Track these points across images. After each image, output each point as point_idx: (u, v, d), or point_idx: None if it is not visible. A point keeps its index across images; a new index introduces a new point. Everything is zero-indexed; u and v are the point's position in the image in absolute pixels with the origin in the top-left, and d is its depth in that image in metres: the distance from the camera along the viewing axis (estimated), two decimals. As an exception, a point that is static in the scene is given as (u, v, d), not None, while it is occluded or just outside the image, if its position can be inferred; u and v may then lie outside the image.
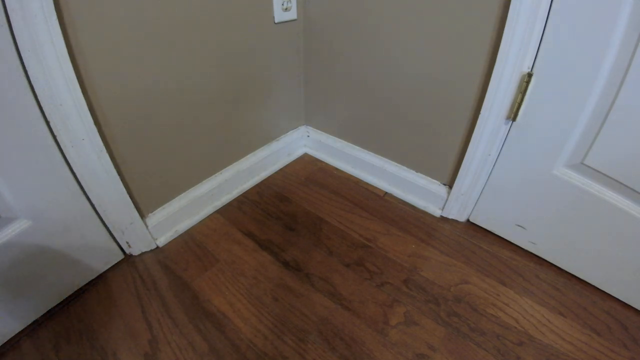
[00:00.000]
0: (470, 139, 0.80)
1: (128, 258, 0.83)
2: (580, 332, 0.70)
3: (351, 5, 0.86)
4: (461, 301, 0.75)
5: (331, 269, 0.82)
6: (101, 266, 0.79)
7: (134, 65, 0.66)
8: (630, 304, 0.75)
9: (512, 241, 0.89)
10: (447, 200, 0.94)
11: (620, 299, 0.76)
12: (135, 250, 0.83)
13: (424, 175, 0.98)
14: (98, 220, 0.73)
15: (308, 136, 1.22)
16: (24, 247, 0.63)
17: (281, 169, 1.16)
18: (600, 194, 0.69)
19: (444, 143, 0.88)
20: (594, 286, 0.79)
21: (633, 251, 0.69)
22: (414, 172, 1.00)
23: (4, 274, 0.61)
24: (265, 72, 0.96)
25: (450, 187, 0.93)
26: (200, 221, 0.94)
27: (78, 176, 0.65)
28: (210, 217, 0.96)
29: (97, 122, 0.64)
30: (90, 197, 0.69)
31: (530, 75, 0.66)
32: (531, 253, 0.86)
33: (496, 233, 0.91)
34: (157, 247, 0.86)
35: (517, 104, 0.70)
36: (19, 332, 0.67)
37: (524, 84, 0.67)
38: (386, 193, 1.06)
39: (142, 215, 0.82)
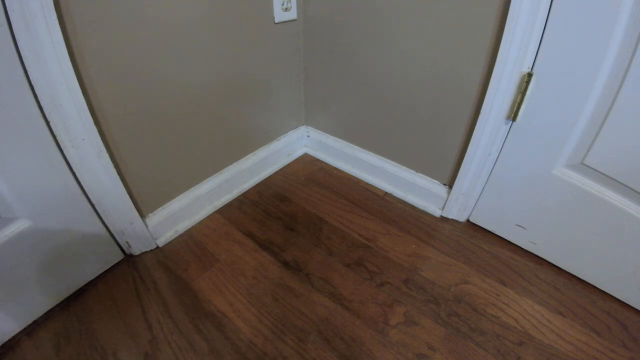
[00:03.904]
0: (471, 139, 0.80)
1: (128, 258, 0.83)
2: (580, 332, 0.70)
3: (351, 6, 0.86)
4: (461, 301, 0.75)
5: (331, 269, 0.81)
6: (101, 266, 0.79)
7: (134, 65, 0.66)
8: (630, 304, 0.75)
9: (512, 241, 0.89)
10: (447, 200, 0.94)
11: (620, 299, 0.76)
12: (135, 250, 0.83)
13: (424, 175, 0.98)
14: (98, 220, 0.73)
15: (308, 136, 1.22)
16: (24, 247, 0.63)
17: (281, 169, 1.16)
18: (600, 194, 0.69)
19: (444, 143, 0.88)
20: (594, 286, 0.79)
21: (633, 251, 0.69)
22: (413, 172, 1.00)
23: (4, 274, 0.61)
24: (265, 72, 0.96)
25: (450, 187, 0.93)
26: (200, 221, 0.94)
27: (78, 176, 0.65)
28: (210, 217, 0.96)
29: (97, 122, 0.64)
30: (90, 197, 0.69)
31: (530, 75, 0.66)
32: (531, 253, 0.86)
33: (496, 233, 0.91)
34: (157, 247, 0.86)
35: (517, 104, 0.70)
36: (19, 332, 0.67)
37: (524, 84, 0.67)
38: (386, 193, 1.06)
39: (142, 215, 0.82)
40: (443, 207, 0.97)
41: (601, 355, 0.66)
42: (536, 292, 0.77)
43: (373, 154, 1.07)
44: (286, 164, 1.19)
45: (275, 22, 0.90)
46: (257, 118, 1.01)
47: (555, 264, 0.83)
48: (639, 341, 0.68)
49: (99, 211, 0.72)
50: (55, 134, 0.59)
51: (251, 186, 1.07)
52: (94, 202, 0.70)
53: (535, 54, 0.65)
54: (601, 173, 0.68)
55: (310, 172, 1.15)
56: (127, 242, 0.80)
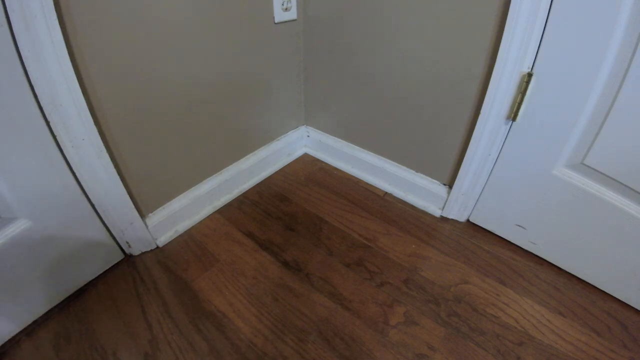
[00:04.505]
0: (471, 139, 0.80)
1: (128, 258, 0.83)
2: (580, 332, 0.70)
3: (351, 6, 0.86)
4: (461, 301, 0.75)
5: (331, 269, 0.81)
6: (101, 266, 0.79)
7: (134, 65, 0.66)
8: (630, 304, 0.75)
9: (512, 241, 0.89)
10: (447, 200, 0.94)
11: (620, 299, 0.76)
12: (135, 250, 0.83)
13: (424, 175, 0.98)
14: (98, 220, 0.73)
15: (308, 136, 1.22)
16: (24, 247, 0.63)
17: (281, 169, 1.16)
18: (600, 194, 0.69)
19: (444, 143, 0.88)
20: (594, 286, 0.79)
21: (633, 251, 0.69)
22: (413, 172, 1.00)
23: (4, 274, 0.61)
24: (265, 72, 0.96)
25: (451, 187, 0.93)
26: (200, 221, 0.94)
27: (78, 176, 0.65)
28: (210, 217, 0.96)
29: (97, 122, 0.64)
30: (90, 197, 0.69)
31: (530, 75, 0.66)
32: (531, 253, 0.86)
33: (496, 233, 0.91)
34: (157, 247, 0.86)
35: (517, 104, 0.70)
36: (19, 332, 0.67)
37: (524, 84, 0.67)
38: (386, 193, 1.06)
39: (142, 215, 0.82)
40: (443, 207, 0.97)
41: (601, 355, 0.66)
42: (536, 292, 0.77)
43: (373, 154, 1.07)
44: (286, 164, 1.19)
45: (275, 22, 0.90)
46: (257, 118, 1.01)
47: (555, 264, 0.83)
48: (639, 341, 0.68)
49: (99, 211, 0.72)
50: (55, 134, 0.59)
51: (251, 186, 1.07)
52: (94, 202, 0.70)
53: (535, 54, 0.65)
54: (601, 173, 0.68)
55: (310, 172, 1.15)
56: (127, 242, 0.80)
